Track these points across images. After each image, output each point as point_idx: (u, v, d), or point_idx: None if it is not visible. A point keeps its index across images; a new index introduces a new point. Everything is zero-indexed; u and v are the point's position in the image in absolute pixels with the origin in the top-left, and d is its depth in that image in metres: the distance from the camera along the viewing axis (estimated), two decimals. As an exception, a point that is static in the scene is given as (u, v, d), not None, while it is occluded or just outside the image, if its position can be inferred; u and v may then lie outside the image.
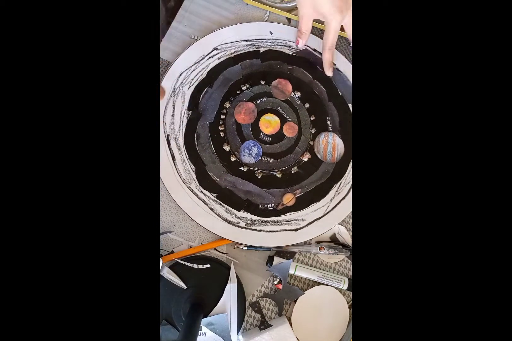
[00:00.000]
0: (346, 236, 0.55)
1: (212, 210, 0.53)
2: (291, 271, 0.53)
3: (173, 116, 0.54)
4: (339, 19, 0.50)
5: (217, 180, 0.53)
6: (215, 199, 0.53)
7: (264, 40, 0.56)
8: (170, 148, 0.53)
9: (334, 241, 0.55)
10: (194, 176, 0.53)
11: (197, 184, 0.53)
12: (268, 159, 0.54)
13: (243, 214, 0.53)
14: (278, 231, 0.53)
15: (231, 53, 0.55)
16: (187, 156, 0.53)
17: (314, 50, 0.57)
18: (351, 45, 0.58)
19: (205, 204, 0.53)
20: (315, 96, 0.56)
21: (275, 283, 0.53)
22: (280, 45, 0.57)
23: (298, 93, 0.55)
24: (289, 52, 0.57)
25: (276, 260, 0.53)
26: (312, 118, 0.55)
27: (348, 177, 0.55)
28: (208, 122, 0.54)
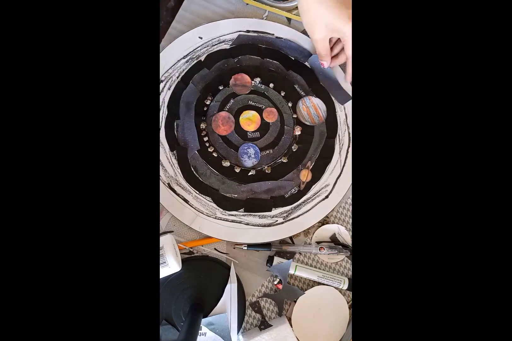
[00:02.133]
0: (346, 236, 0.55)
1: (247, 224, 0.53)
2: (291, 271, 0.53)
3: (162, 164, 0.53)
4: (350, 24, 0.46)
5: (236, 196, 0.54)
6: (245, 213, 0.54)
7: (199, 48, 0.56)
8: (178, 194, 0.53)
9: (334, 241, 0.55)
10: (214, 205, 0.53)
11: (221, 210, 0.53)
12: (268, 151, 0.54)
13: (275, 210, 0.54)
14: (314, 206, 0.54)
15: (177, 77, 0.55)
16: (197, 192, 0.53)
17: (248, 31, 0.56)
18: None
19: (239, 222, 0.53)
20: (273, 73, 0.56)
21: (275, 283, 0.53)
22: (215, 44, 0.56)
23: (258, 79, 0.55)
24: (227, 47, 0.56)
25: (276, 260, 0.53)
26: (283, 94, 0.55)
27: (342, 126, 0.56)
28: (196, 151, 0.54)
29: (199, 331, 0.48)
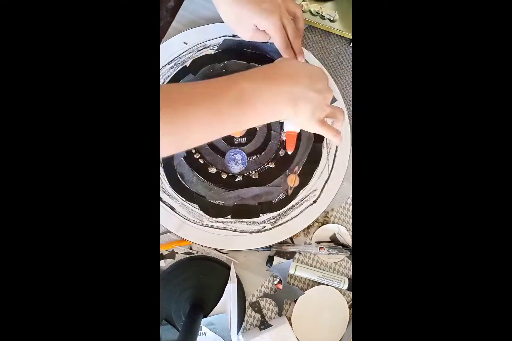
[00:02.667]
0: (346, 236, 0.55)
1: (235, 230, 0.53)
2: (291, 271, 0.53)
3: None
4: (270, 19, 0.45)
5: (223, 202, 0.53)
6: (232, 220, 0.53)
7: (184, 53, 0.55)
8: (164, 202, 0.52)
9: (334, 241, 0.55)
10: (201, 212, 0.53)
11: (208, 217, 0.53)
12: (255, 157, 0.54)
13: (263, 216, 0.53)
14: (302, 212, 0.54)
15: (163, 83, 0.54)
16: (184, 199, 0.53)
17: (233, 35, 0.56)
18: (351, 45, 0.58)
19: (226, 229, 0.53)
20: None
21: (275, 283, 0.54)
22: (200, 49, 0.56)
23: None
24: (213, 52, 0.56)
25: (276, 260, 0.53)
26: None
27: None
28: (182, 158, 0.53)
29: (199, 331, 0.48)
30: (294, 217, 0.53)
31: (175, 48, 0.55)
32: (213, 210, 0.53)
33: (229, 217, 0.53)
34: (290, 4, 0.47)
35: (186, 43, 0.55)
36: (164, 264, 0.53)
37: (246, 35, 0.48)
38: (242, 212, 0.53)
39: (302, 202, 0.54)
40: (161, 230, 0.54)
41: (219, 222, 0.53)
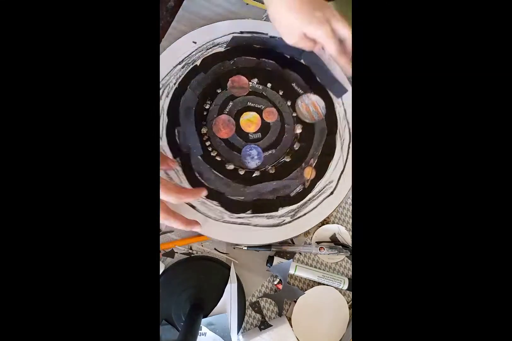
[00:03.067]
0: (346, 236, 0.55)
1: (256, 225, 0.53)
2: (291, 271, 0.53)
3: (166, 171, 0.53)
4: (323, 28, 0.45)
5: (242, 198, 0.53)
6: (253, 215, 0.53)
7: (194, 53, 0.56)
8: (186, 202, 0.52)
9: (334, 241, 0.55)
10: (222, 208, 0.53)
11: (229, 213, 0.53)
12: (271, 151, 0.54)
13: (282, 210, 0.53)
14: (319, 204, 0.54)
15: (174, 83, 0.55)
16: (204, 197, 0.52)
17: (241, 32, 0.57)
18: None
19: (247, 224, 0.53)
20: (270, 72, 0.56)
21: (275, 283, 0.54)
22: (210, 48, 0.56)
23: (255, 80, 0.55)
24: (222, 49, 0.56)
25: (276, 260, 0.53)
26: (281, 93, 0.55)
27: (341, 122, 0.56)
28: (199, 156, 0.53)
29: (199, 331, 0.48)
30: (312, 209, 0.54)
31: (184, 48, 0.56)
32: (233, 207, 0.53)
33: (249, 212, 0.53)
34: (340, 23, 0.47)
35: (195, 43, 0.56)
36: (163, 263, 0.53)
37: (291, 40, 0.49)
38: (262, 206, 0.53)
39: (319, 193, 0.54)
40: (164, 229, 0.54)
41: (239, 217, 0.53)
